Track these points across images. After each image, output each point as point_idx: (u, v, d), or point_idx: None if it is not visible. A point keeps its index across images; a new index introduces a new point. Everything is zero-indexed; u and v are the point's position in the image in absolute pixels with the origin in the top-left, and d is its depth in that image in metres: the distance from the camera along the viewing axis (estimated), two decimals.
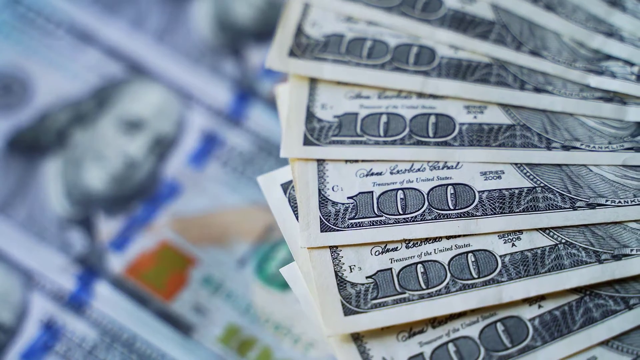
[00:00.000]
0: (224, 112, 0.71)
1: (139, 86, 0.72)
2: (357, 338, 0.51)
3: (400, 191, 0.55)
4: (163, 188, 0.69)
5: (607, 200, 0.53)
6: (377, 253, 0.53)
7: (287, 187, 0.56)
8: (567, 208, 0.53)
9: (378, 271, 0.53)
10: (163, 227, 0.68)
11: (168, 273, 0.66)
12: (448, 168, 0.55)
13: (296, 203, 0.55)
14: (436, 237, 0.53)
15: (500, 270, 0.52)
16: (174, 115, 0.71)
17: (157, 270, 0.66)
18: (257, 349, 0.64)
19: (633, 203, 0.53)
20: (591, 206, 0.53)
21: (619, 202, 0.53)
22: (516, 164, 0.55)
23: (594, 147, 0.55)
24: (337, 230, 0.54)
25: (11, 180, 0.70)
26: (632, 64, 0.57)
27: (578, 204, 0.53)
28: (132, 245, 0.67)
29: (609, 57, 0.57)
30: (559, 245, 0.52)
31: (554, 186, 0.54)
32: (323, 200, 0.55)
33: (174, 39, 0.74)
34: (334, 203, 0.54)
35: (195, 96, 0.72)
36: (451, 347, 0.51)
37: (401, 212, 0.54)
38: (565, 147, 0.55)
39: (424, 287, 0.52)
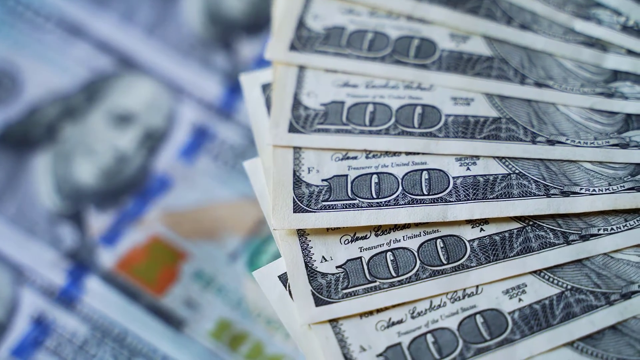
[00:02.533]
0: (215, 106, 0.71)
1: (129, 80, 0.72)
2: (302, 235, 0.53)
3: (370, 105, 0.56)
4: (154, 182, 0.69)
5: (567, 139, 0.54)
6: (337, 159, 0.55)
7: (266, 88, 0.58)
8: (528, 141, 0.54)
9: (334, 176, 0.54)
10: (154, 221, 0.67)
11: (159, 268, 0.66)
12: (421, 89, 0.56)
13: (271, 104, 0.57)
14: (395, 152, 0.55)
15: (450, 191, 0.53)
16: (164, 109, 0.71)
17: (148, 265, 0.66)
18: (248, 343, 0.64)
19: (592, 145, 0.54)
20: (551, 142, 0.54)
21: (579, 142, 0.54)
22: (487, 94, 0.56)
23: (565, 87, 0.56)
24: (304, 133, 0.55)
25: (1, 175, 0.69)
26: (619, 14, 0.57)
27: (539, 139, 0.54)
28: (123, 240, 0.67)
29: (598, 5, 0.58)
30: (512, 175, 0.53)
31: (519, 119, 0.55)
32: (296, 104, 0.56)
33: (164, 33, 0.73)
34: (306, 108, 0.56)
35: (185, 90, 0.71)
36: (389, 256, 0.52)
37: (367, 124, 0.55)
38: (538, 84, 0.56)
39: (374, 196, 0.53)
